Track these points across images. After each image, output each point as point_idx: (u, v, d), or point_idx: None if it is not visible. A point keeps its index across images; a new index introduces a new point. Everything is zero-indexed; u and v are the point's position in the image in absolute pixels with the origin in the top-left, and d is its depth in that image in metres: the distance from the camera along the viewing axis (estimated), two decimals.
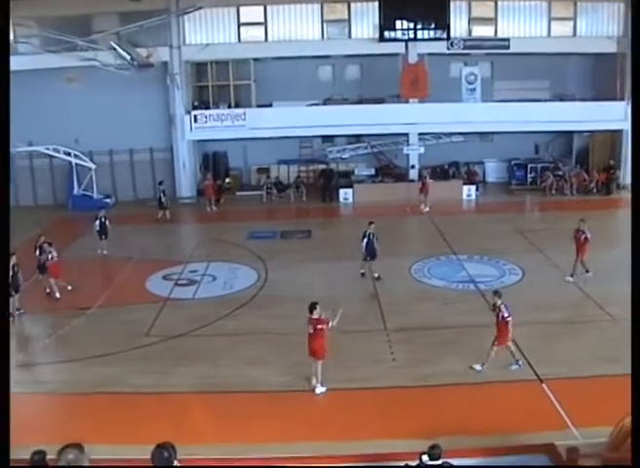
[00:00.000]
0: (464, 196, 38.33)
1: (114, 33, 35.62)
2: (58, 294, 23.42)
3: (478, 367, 17.08)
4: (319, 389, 16.23)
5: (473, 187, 38.71)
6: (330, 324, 16.09)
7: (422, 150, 39.34)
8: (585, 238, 23.39)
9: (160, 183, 36.20)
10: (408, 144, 39.47)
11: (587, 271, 23.50)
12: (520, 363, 17.17)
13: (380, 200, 35.33)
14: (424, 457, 10.37)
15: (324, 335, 16.17)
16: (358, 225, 30.90)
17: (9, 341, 9.72)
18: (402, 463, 10.82)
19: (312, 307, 16.18)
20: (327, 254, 27.83)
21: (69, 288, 23.75)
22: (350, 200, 38.20)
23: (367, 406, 15.67)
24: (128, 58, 34.87)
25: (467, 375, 16.80)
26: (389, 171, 41.41)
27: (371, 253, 24.29)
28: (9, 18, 9.99)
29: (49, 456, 10.35)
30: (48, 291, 23.69)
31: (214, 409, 15.86)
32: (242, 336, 19.81)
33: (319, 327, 16.04)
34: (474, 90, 39.22)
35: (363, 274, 24.64)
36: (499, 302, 17.12)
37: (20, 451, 11.99)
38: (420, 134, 39.46)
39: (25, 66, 35.76)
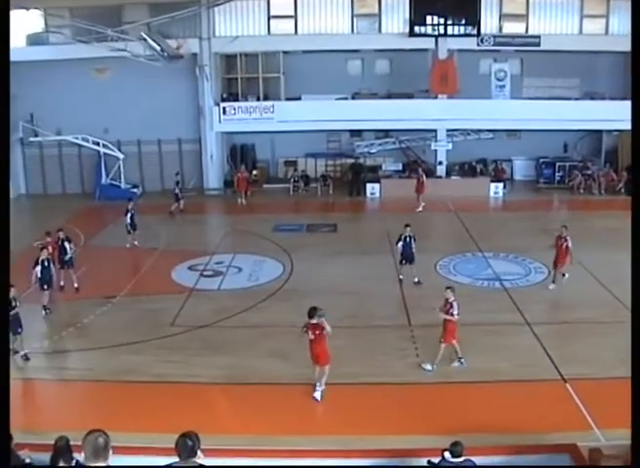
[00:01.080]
0: (492, 193, 38.14)
1: (145, 24, 35.80)
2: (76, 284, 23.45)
3: (428, 366, 17.08)
4: (317, 393, 15.87)
5: (500, 185, 38.52)
6: (325, 329, 15.48)
7: (450, 146, 39.20)
8: (567, 246, 22.53)
9: (177, 174, 36.41)
10: (436, 140, 39.33)
11: (563, 275, 22.94)
12: (463, 361, 17.19)
13: (408, 196, 35.22)
14: (446, 454, 10.39)
15: (324, 341, 15.73)
16: (384, 220, 31.12)
17: (8, 337, 9.78)
18: (424, 460, 10.83)
19: (311, 312, 15.60)
20: (352, 249, 27.84)
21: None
22: (377, 195, 38.15)
23: (390, 401, 15.70)
24: (158, 48, 35.01)
25: (491, 373, 16.76)
26: (417, 166, 41.27)
27: (407, 257, 23.55)
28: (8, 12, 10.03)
29: (72, 442, 10.50)
30: (76, 285, 23.59)
31: (235, 400, 15.95)
32: (265, 329, 19.89)
33: (317, 332, 15.59)
34: (503, 87, 39.02)
35: (401, 280, 23.80)
36: (451, 298, 17.15)
37: (44, 437, 12.19)
38: (448, 130, 39.31)
39: (56, 56, 36.25)
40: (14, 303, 17.53)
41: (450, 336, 17.03)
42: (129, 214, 28.24)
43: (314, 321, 15.55)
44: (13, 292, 17.43)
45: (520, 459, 11.19)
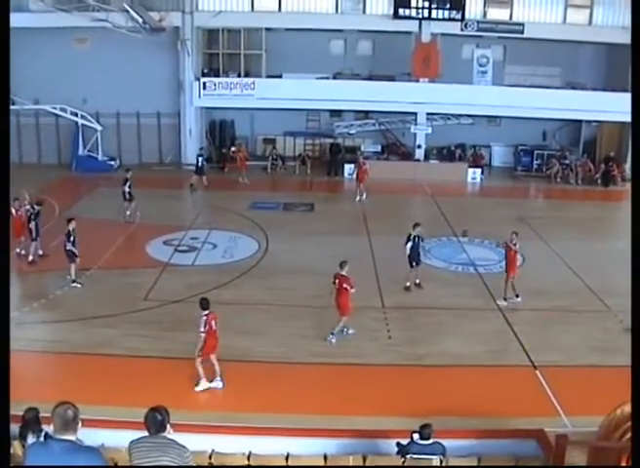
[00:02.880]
0: (469, 179, 38.23)
1: None
2: (31, 257, 23.19)
3: (333, 339, 17.72)
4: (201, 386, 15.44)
5: (478, 170, 38.60)
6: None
7: (430, 130, 39.17)
8: (515, 252, 20.65)
9: (201, 149, 36.56)
10: (416, 123, 39.28)
11: (517, 296, 20.45)
12: (349, 331, 17.96)
13: (385, 177, 35.20)
14: (415, 436, 10.44)
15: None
16: (361, 202, 31.03)
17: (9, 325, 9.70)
18: (393, 441, 10.87)
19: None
20: (329, 228, 27.79)
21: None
22: (355, 176, 38.09)
23: (360, 382, 15.76)
24: (140, 20, 34.63)
25: (461, 357, 16.87)
26: (396, 149, 41.32)
27: (416, 259, 21.67)
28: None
29: (41, 414, 10.45)
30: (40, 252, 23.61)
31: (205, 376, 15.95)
32: (239, 306, 19.81)
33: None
34: (485, 73, 39.02)
35: (408, 287, 21.61)
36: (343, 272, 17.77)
37: (13, 408, 12.08)
38: (428, 113, 39.27)
39: (36, 24, 35.78)
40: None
41: (346, 309, 17.72)
42: (127, 184, 28.28)
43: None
44: (73, 225, 17.96)
45: (488, 443, 11.25)
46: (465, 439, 11.39)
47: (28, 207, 23.38)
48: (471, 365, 16.55)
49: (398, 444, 10.68)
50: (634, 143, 11.13)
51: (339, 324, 17.70)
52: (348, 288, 17.48)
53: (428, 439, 10.37)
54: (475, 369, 16.41)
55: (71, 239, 21.10)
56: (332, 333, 17.64)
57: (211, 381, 15.38)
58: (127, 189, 28.25)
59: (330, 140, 41.14)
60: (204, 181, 34.39)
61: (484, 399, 14.69)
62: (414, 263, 21.58)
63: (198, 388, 15.26)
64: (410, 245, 21.39)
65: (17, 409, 11.18)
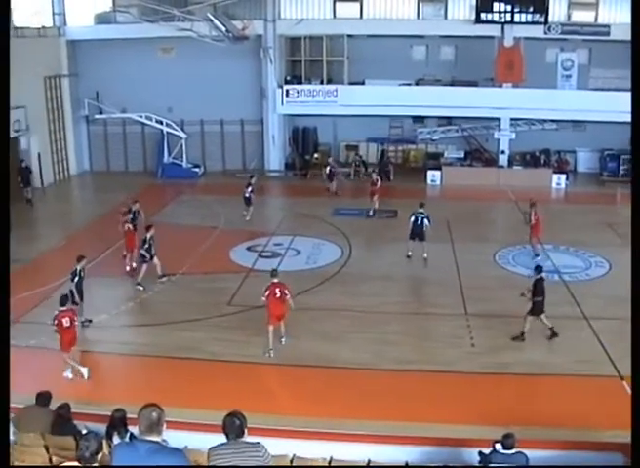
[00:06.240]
0: (554, 185, 37.57)
1: (211, 4, 36.03)
2: (128, 267, 23.62)
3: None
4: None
5: (563, 176, 37.90)
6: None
7: (514, 136, 38.68)
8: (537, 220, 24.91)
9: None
10: (499, 129, 38.87)
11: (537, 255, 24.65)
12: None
13: (468, 184, 34.94)
14: (498, 445, 10.33)
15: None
16: (445, 208, 30.87)
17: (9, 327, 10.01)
18: (475, 450, 10.80)
19: (64, 300, 16.41)
20: None
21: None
22: (438, 182, 37.87)
23: (443, 389, 15.70)
24: (223, 29, 35.08)
25: (547, 366, 16.64)
26: (479, 155, 40.93)
27: (417, 234, 24.34)
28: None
29: (128, 415, 10.72)
30: (125, 253, 24.12)
31: (287, 380, 16.10)
32: (322, 312, 19.99)
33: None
34: (570, 76, 38.30)
35: (409, 256, 24.68)
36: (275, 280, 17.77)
37: (99, 409, 12.44)
38: (512, 119, 38.79)
39: (123, 35, 36.68)
40: (82, 274, 18.51)
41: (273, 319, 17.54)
42: (249, 189, 29.20)
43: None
44: (82, 264, 18.17)
45: (572, 455, 11.10)
46: (549, 450, 11.26)
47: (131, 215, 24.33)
48: (556, 374, 16.30)
49: (480, 453, 10.61)
50: (634, 144, 10.83)
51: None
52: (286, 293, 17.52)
53: (511, 449, 10.25)
54: (560, 378, 16.15)
55: (146, 246, 21.71)
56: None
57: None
58: (247, 194, 29.13)
59: (413, 146, 41.05)
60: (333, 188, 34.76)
61: (568, 409, 14.46)
62: (414, 237, 24.37)
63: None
64: (412, 219, 24.36)
65: (104, 410, 11.53)
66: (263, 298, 17.19)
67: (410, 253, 24.64)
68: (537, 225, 25.04)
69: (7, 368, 8.95)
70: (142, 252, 21.80)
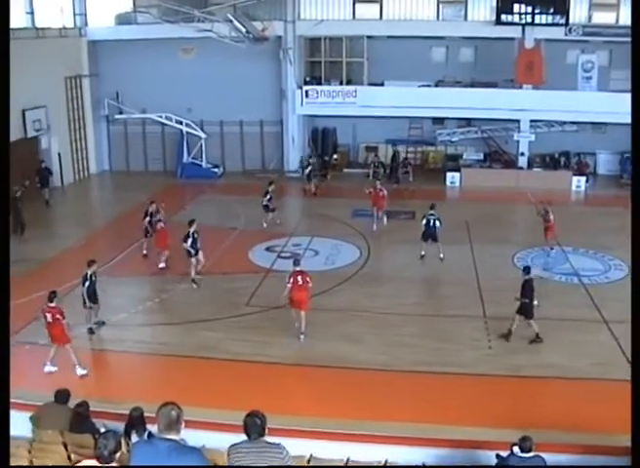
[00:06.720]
0: (573, 187, 37.40)
1: (231, 5, 36.12)
2: (162, 264, 23.78)
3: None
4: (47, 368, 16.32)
5: (583, 179, 37.71)
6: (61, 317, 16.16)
7: (533, 138, 38.54)
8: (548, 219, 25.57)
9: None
10: (519, 131, 38.70)
11: (552, 248, 25.57)
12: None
13: (488, 185, 34.87)
14: (515, 449, 10.31)
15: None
16: (463, 210, 30.84)
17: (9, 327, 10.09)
18: (492, 452, 10.79)
19: (52, 296, 16.26)
20: None
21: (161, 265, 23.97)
22: (457, 184, 37.78)
23: (460, 391, 15.67)
24: (243, 30, 35.16)
25: (565, 369, 16.59)
26: (498, 157, 40.79)
27: (430, 236, 24.48)
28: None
29: (146, 414, 10.78)
30: (145, 252, 24.66)
31: (304, 381, 16.13)
32: (340, 312, 20.02)
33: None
34: (590, 78, 38.10)
35: (423, 256, 24.76)
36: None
37: (118, 407, 12.53)
38: (531, 121, 38.64)
39: (144, 36, 36.85)
40: (94, 278, 18.30)
41: None
42: (267, 197, 28.69)
43: (52, 304, 16.20)
44: (93, 269, 18.19)
45: (590, 459, 11.07)
46: (566, 453, 11.23)
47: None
48: (574, 377, 16.24)
49: (498, 456, 10.61)
50: (634, 144, 10.77)
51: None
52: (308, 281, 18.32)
53: (529, 452, 10.23)
54: (578, 381, 16.10)
55: (189, 241, 21.89)
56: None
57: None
58: (265, 203, 28.65)
59: (432, 148, 41.11)
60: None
61: (586, 413, 14.39)
62: (427, 239, 24.56)
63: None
64: (424, 222, 24.60)
65: (123, 408, 11.61)
66: (288, 285, 18.13)
67: (423, 253, 24.75)
68: (551, 226, 25.50)
69: (7, 368, 9.01)
70: (187, 247, 21.94)
